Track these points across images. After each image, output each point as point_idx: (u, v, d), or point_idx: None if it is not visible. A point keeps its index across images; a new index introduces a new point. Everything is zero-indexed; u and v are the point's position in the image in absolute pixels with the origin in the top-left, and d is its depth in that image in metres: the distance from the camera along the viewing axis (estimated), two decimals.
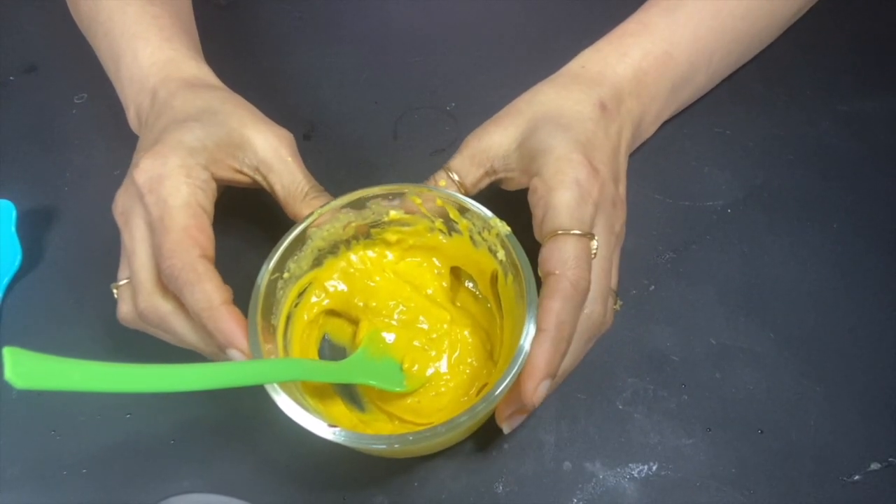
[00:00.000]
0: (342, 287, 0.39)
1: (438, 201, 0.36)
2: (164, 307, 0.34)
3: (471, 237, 0.37)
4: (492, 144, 0.37)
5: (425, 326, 0.39)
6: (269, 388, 0.31)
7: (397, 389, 0.36)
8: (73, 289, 0.43)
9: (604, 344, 0.40)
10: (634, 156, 0.46)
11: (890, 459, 0.36)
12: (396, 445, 0.30)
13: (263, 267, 0.34)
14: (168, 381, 0.27)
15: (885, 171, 0.46)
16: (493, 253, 0.36)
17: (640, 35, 0.41)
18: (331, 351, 0.40)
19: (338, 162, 0.48)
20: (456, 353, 0.38)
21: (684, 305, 0.41)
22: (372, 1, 0.56)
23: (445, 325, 0.38)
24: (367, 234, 0.39)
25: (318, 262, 0.38)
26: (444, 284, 0.40)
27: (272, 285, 0.35)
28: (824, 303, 0.41)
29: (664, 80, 0.41)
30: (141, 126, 0.40)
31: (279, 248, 0.35)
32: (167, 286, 0.33)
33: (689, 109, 0.48)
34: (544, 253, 0.33)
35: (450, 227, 0.38)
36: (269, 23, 0.56)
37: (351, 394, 0.38)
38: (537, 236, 0.35)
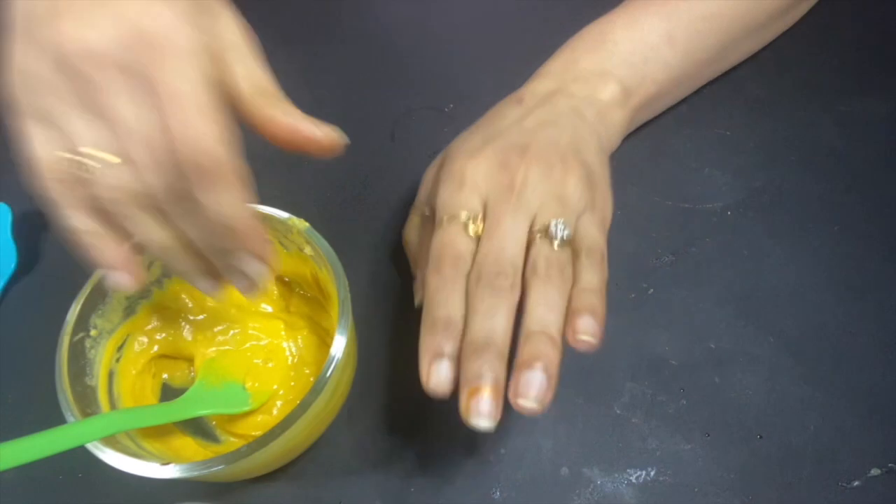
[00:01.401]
0: (164, 330, 0.39)
1: None
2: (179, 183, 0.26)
3: (280, 243, 0.37)
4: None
5: (262, 342, 0.39)
6: (91, 448, 0.30)
7: (243, 410, 0.36)
8: (69, 292, 0.43)
9: (602, 348, 0.40)
10: (634, 157, 0.45)
11: (890, 465, 0.36)
12: (223, 465, 0.30)
13: (63, 330, 0.33)
14: None
15: (886, 173, 0.45)
16: (302, 250, 0.36)
17: (573, 39, 0.43)
18: (175, 395, 0.38)
19: (335, 163, 0.47)
20: (294, 359, 0.38)
21: (683, 309, 0.41)
22: (371, 1, 0.56)
23: (282, 334, 0.39)
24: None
25: (131, 311, 0.37)
26: (275, 295, 0.40)
27: (77, 347, 0.34)
28: (825, 306, 0.41)
29: (602, 57, 0.41)
30: None
31: (75, 307, 0.34)
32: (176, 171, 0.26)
33: (689, 110, 0.48)
34: None
35: None
36: (266, 23, 0.55)
37: (202, 429, 0.38)
38: None
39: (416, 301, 0.37)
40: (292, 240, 0.37)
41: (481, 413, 0.28)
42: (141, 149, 0.25)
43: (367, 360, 0.40)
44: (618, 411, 0.38)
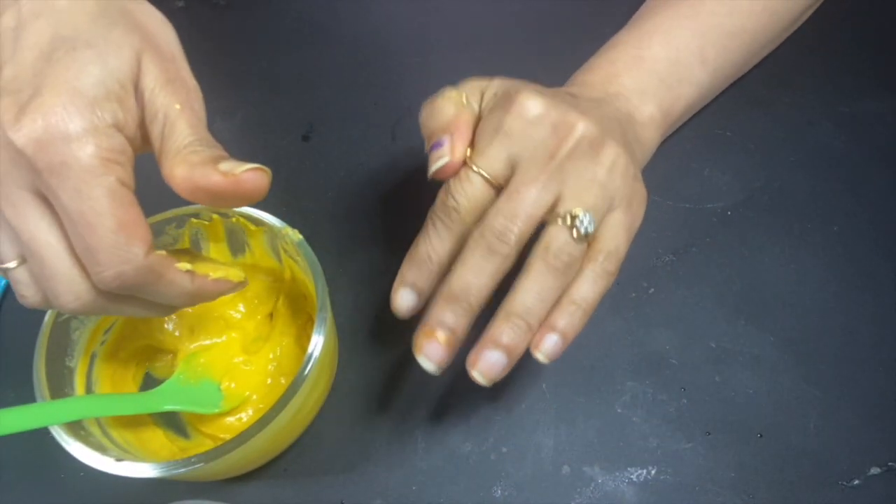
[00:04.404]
0: (153, 320, 0.39)
1: (234, 218, 0.37)
2: (98, 300, 0.27)
3: (271, 245, 0.38)
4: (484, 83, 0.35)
5: (245, 344, 0.39)
6: (55, 433, 0.31)
7: (213, 412, 0.36)
8: None
9: (603, 347, 0.40)
10: None
11: (890, 464, 0.36)
12: (184, 469, 0.30)
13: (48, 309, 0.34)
14: None
15: (886, 173, 0.45)
16: (296, 261, 0.37)
17: (608, 50, 0.41)
18: (156, 386, 0.39)
19: (336, 163, 0.48)
20: (273, 365, 0.39)
21: (684, 308, 0.41)
22: (371, 1, 0.56)
23: (266, 339, 0.39)
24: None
25: None
26: (259, 300, 0.40)
27: (61, 327, 0.34)
28: (825, 306, 0.41)
29: (642, 77, 0.40)
30: None
31: None
32: (107, 290, 0.27)
33: None
34: None
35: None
36: (267, 23, 0.55)
37: (175, 423, 0.38)
38: None
39: (430, 173, 0.33)
40: (283, 248, 0.37)
41: (429, 356, 0.29)
42: (52, 273, 0.26)
43: (368, 360, 0.40)
44: (619, 410, 0.38)
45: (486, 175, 0.31)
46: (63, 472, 0.37)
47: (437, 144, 0.33)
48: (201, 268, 0.29)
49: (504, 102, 0.32)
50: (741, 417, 0.37)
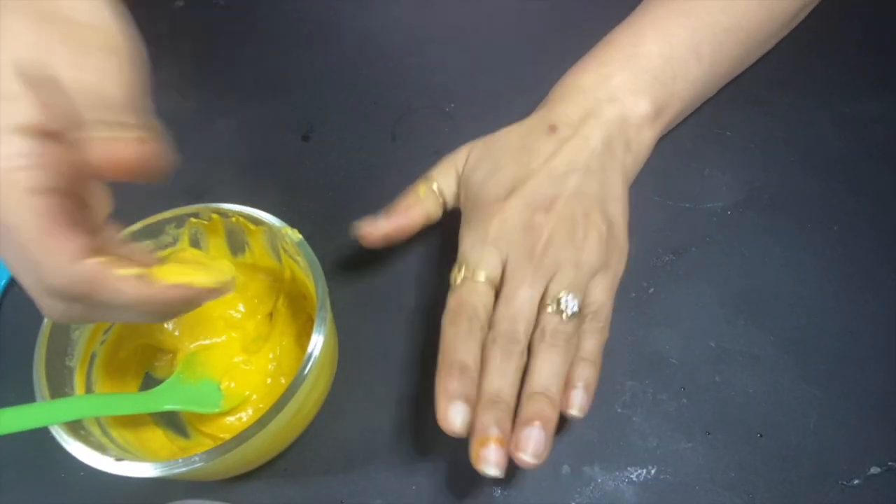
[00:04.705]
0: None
1: (233, 217, 0.37)
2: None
3: (271, 245, 0.38)
4: (458, 158, 0.40)
5: (245, 345, 0.39)
6: (55, 433, 0.31)
7: (213, 411, 0.37)
8: None
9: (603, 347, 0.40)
10: None
11: (890, 463, 0.36)
12: (185, 468, 0.30)
13: None
14: None
15: (886, 173, 0.45)
16: (296, 261, 0.37)
17: (601, 49, 0.42)
18: (155, 386, 0.38)
19: (336, 163, 0.48)
20: (273, 365, 0.39)
21: (684, 308, 0.41)
22: (371, 1, 0.56)
23: (266, 340, 0.39)
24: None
25: None
26: (259, 301, 0.41)
27: (61, 327, 0.34)
28: (825, 306, 0.41)
29: (635, 75, 0.41)
30: None
31: None
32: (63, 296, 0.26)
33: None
34: None
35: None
36: (267, 23, 0.55)
37: (174, 423, 0.38)
38: None
39: (357, 233, 0.38)
40: (283, 247, 0.37)
41: (489, 462, 0.30)
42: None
43: (367, 360, 0.40)
44: (618, 410, 0.38)
45: (489, 279, 0.35)
46: (63, 472, 0.37)
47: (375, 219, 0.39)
48: (164, 272, 0.27)
49: (485, 210, 0.36)
50: (741, 417, 0.37)
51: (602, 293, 0.35)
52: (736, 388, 0.38)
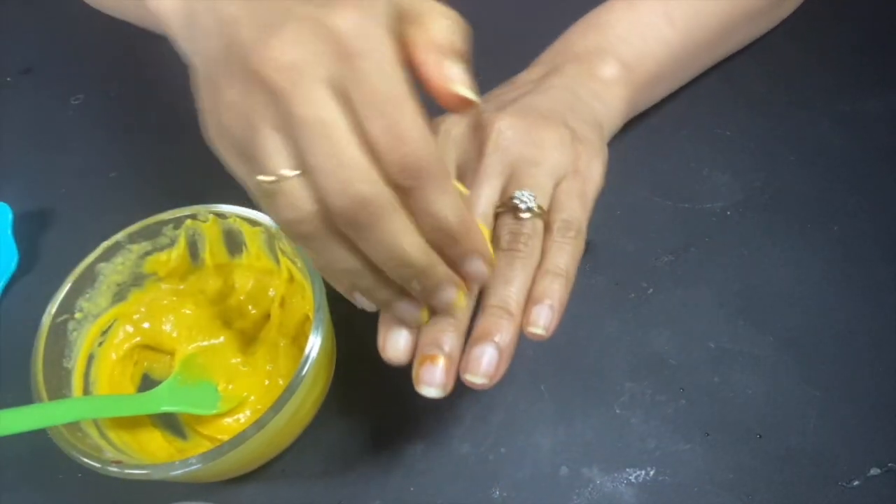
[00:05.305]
0: (151, 320, 0.39)
1: (231, 218, 0.37)
2: (386, 194, 0.24)
3: (268, 246, 0.38)
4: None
5: (244, 345, 0.39)
6: (52, 434, 0.31)
7: (211, 413, 0.36)
8: None
9: (601, 347, 0.40)
10: (633, 158, 0.45)
11: (889, 464, 0.36)
12: (182, 470, 0.30)
13: (46, 310, 0.34)
14: None
15: (886, 173, 0.45)
16: (293, 262, 0.37)
17: (567, 31, 0.44)
18: (154, 387, 0.38)
19: None
20: (270, 366, 0.38)
21: (683, 309, 0.41)
22: None
23: (265, 338, 0.39)
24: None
25: (120, 297, 0.38)
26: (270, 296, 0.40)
27: (59, 328, 0.35)
28: (824, 306, 0.41)
29: (598, 38, 0.42)
30: None
31: (62, 289, 0.35)
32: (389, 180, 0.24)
33: (689, 110, 0.48)
34: None
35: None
36: None
37: (172, 424, 0.38)
38: None
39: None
40: (280, 248, 0.37)
41: (430, 382, 0.28)
42: (339, 160, 0.23)
43: (365, 360, 0.40)
44: (617, 411, 0.38)
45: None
46: (61, 474, 0.37)
47: None
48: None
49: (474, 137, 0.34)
50: (740, 418, 0.37)
51: (571, 199, 0.32)
52: (735, 389, 0.38)
